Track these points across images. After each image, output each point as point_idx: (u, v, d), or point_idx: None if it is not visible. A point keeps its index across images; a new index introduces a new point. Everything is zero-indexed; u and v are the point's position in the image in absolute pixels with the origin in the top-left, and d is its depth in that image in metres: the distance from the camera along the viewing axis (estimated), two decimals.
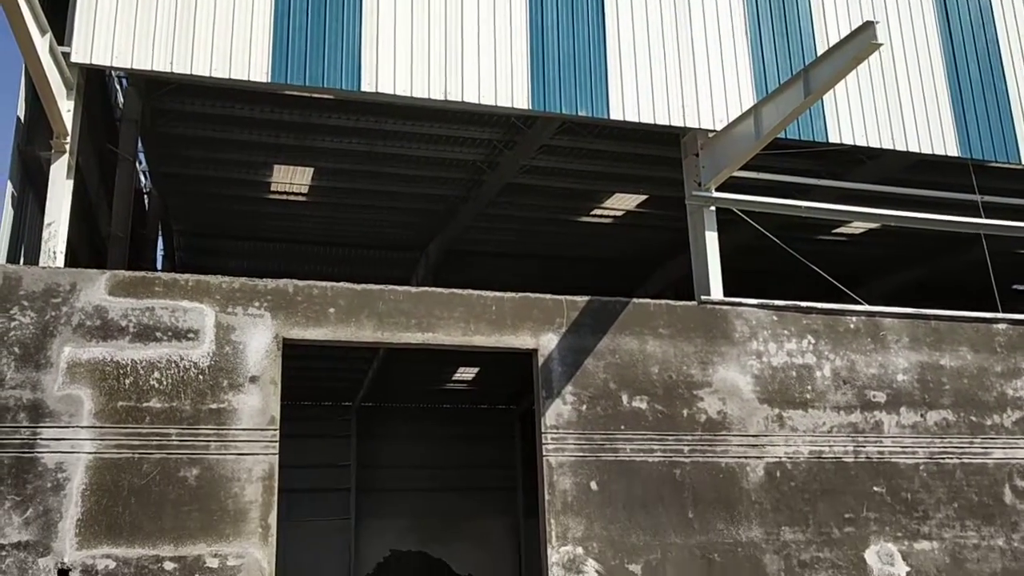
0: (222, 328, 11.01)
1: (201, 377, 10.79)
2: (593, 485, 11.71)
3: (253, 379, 10.94)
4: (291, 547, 25.06)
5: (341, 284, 11.63)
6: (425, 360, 22.57)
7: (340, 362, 23.33)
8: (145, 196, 18.27)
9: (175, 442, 10.50)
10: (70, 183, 11.41)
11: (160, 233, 19.07)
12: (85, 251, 15.13)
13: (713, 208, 13.31)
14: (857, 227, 18.13)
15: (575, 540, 11.46)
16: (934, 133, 14.55)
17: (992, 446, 13.36)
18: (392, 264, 20.45)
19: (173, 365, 10.74)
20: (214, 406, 10.73)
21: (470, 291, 12.01)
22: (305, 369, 22.45)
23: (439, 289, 12.02)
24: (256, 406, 10.87)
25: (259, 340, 11.08)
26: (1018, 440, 13.50)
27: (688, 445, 12.18)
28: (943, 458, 13.11)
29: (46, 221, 11.13)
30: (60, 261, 11.12)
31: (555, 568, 11.31)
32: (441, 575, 26.61)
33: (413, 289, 11.98)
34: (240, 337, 11.03)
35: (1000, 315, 14.14)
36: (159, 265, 19.66)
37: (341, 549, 26.53)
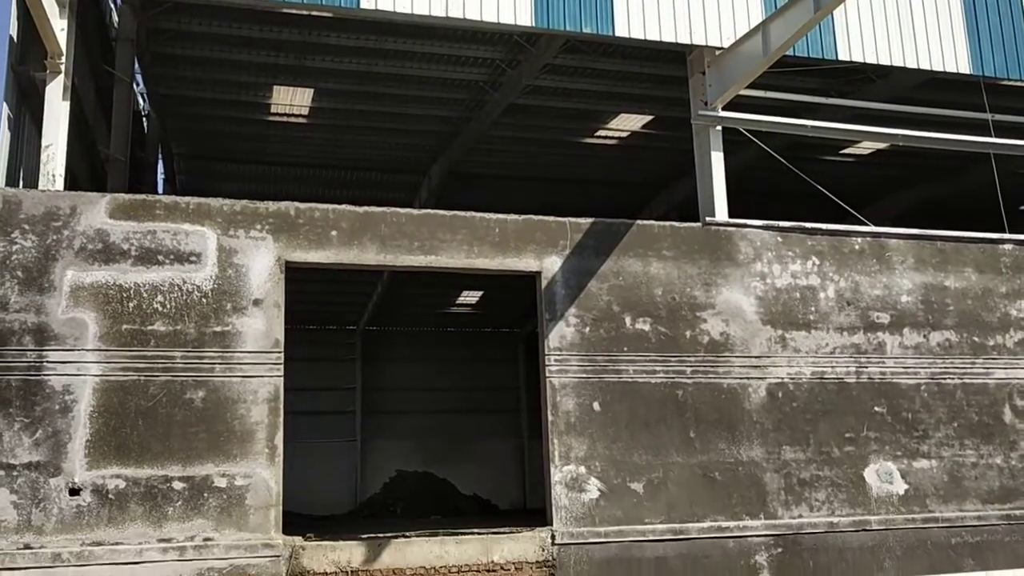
0: (224, 251, 10.98)
1: (204, 300, 10.80)
2: (596, 406, 11.80)
3: (256, 302, 10.96)
4: (298, 468, 25.35)
5: (343, 206, 11.56)
6: (429, 283, 22.58)
7: (344, 285, 23.33)
8: (144, 119, 18.05)
9: (180, 365, 10.57)
10: (66, 104, 11.25)
11: (160, 156, 18.90)
12: (84, 175, 15.01)
13: (719, 128, 13.13)
14: (865, 147, 17.90)
15: (578, 460, 11.61)
16: (946, 50, 14.24)
17: (994, 366, 13.42)
18: (394, 187, 20.29)
19: (176, 288, 10.74)
20: (218, 329, 10.77)
21: (473, 213, 11.94)
22: (309, 293, 22.48)
23: (442, 211, 11.95)
24: (260, 329, 10.90)
25: (261, 263, 11.06)
26: (1019, 360, 13.54)
27: (691, 366, 12.24)
28: (944, 378, 13.18)
29: (44, 143, 11.01)
30: (60, 184, 11.04)
31: (558, 487, 11.49)
32: (446, 495, 27.04)
33: (416, 211, 11.91)
34: (242, 260, 11.01)
35: (1006, 236, 14.05)
36: (160, 189, 19.54)
37: (348, 470, 26.95)
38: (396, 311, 26.00)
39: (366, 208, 11.63)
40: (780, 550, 11.96)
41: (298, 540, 10.92)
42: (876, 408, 12.79)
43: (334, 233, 11.40)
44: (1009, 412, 13.34)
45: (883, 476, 12.62)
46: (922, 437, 12.88)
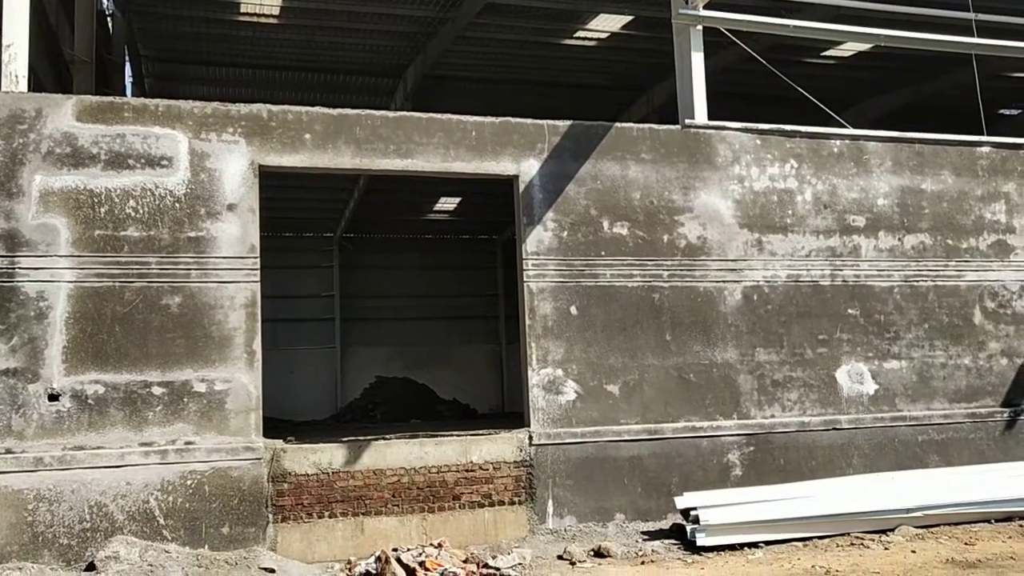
0: (196, 155, 10.79)
1: (178, 205, 10.67)
2: (573, 310, 11.88)
3: (231, 207, 10.83)
4: (279, 374, 25.61)
5: (317, 109, 11.35)
6: (407, 189, 22.41)
7: (320, 192, 23.12)
8: (108, 19, 17.49)
9: (155, 270, 10.50)
10: (26, 1, 10.84)
11: (127, 59, 18.39)
12: (50, 78, 14.61)
13: (699, 28, 12.88)
14: (847, 49, 17.69)
15: (555, 363, 11.75)
16: None
17: (966, 268, 13.58)
18: (369, 91, 19.93)
19: (148, 193, 10.59)
20: (192, 234, 10.67)
21: (449, 116, 11.76)
22: (285, 199, 22.27)
23: (418, 114, 11.77)
24: (235, 234, 10.81)
25: (235, 167, 10.90)
26: (992, 263, 13.71)
27: (667, 270, 12.30)
28: (917, 281, 13.34)
29: (4, 42, 10.64)
30: (23, 85, 10.72)
31: (536, 390, 11.65)
32: (426, 400, 27.40)
33: (391, 114, 11.72)
34: (215, 164, 10.84)
35: (984, 138, 14.05)
36: (128, 93, 19.08)
37: (328, 376, 27.23)
38: (373, 218, 25.85)
39: (340, 110, 11.43)
40: (752, 448, 12.27)
41: (279, 443, 11.07)
42: (850, 310, 12.97)
43: (308, 136, 11.22)
44: (979, 314, 13.57)
45: (854, 377, 12.88)
46: (893, 339, 13.11)
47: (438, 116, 11.72)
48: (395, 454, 11.13)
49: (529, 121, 12.04)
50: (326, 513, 10.77)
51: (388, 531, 10.90)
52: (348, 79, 19.64)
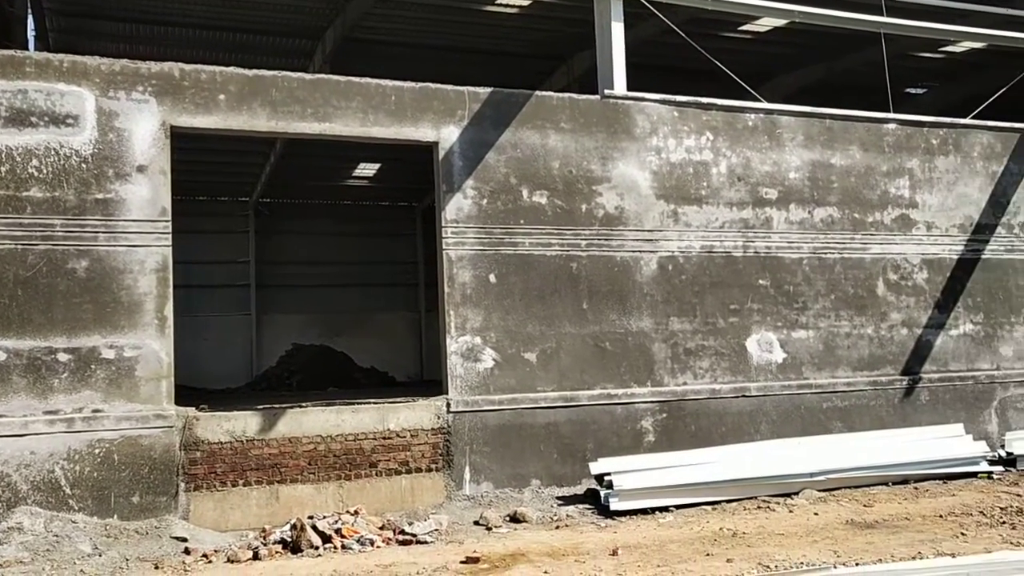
0: (104, 114, 10.43)
1: (84, 166, 10.31)
2: (492, 278, 11.92)
3: (141, 168, 10.52)
4: (192, 342, 25.07)
5: (231, 69, 11.07)
6: (325, 154, 22.04)
7: (236, 155, 22.57)
8: None
9: (60, 233, 10.15)
10: None
11: (30, 11, 17.55)
12: None
13: None
14: (763, 24, 17.98)
15: (473, 330, 11.79)
16: None
17: (871, 242, 14.07)
18: (287, 52, 19.44)
19: (53, 152, 10.20)
20: (100, 196, 10.33)
21: (368, 79, 11.61)
22: (199, 162, 21.66)
23: (336, 77, 11.58)
24: (145, 196, 10.51)
25: (145, 127, 10.56)
26: (895, 236, 14.23)
27: (585, 239, 12.43)
28: (825, 253, 13.77)
29: None
30: None
31: (454, 357, 11.68)
32: (343, 368, 27.19)
33: (308, 76, 11.51)
34: (124, 124, 10.49)
35: (891, 115, 14.51)
36: (31, 48, 18.24)
37: (243, 344, 26.77)
38: (291, 183, 25.39)
39: (256, 71, 11.16)
40: (665, 415, 12.55)
41: (192, 411, 10.88)
42: (760, 281, 13.32)
43: (222, 97, 10.93)
44: (882, 285, 14.09)
45: (764, 345, 13.26)
46: (802, 309, 13.53)
47: (357, 80, 11.55)
48: (311, 422, 11.05)
49: (449, 87, 11.96)
50: (240, 481, 10.66)
51: (304, 499, 10.85)
52: (265, 40, 19.12)
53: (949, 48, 19.54)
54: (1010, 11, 16.03)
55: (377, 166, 24.36)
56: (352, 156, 23.13)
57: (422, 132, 11.81)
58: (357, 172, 25.08)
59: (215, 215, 26.40)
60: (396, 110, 11.66)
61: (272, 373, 26.65)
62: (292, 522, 9.75)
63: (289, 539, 9.54)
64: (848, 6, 14.62)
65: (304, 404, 11.47)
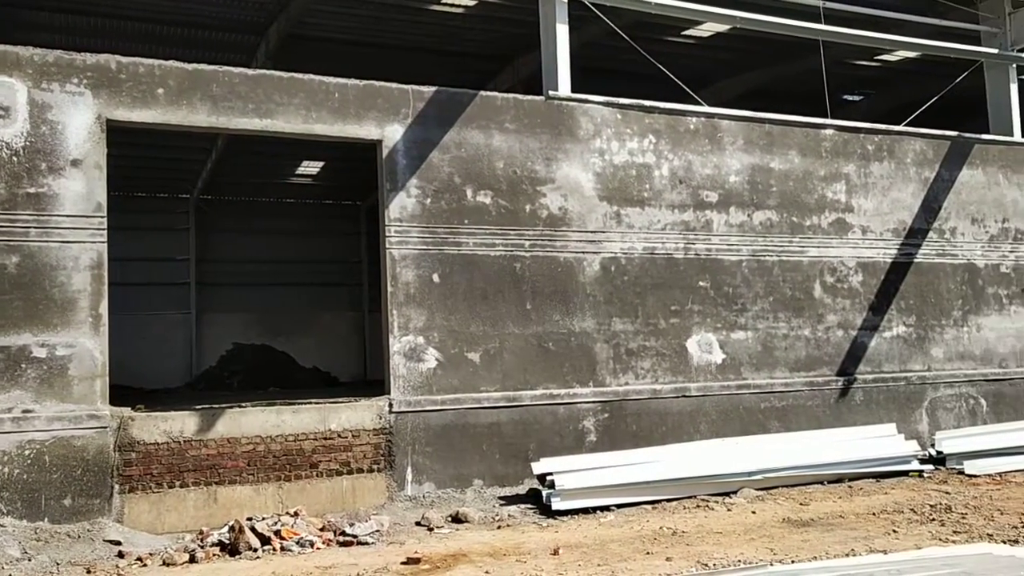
0: (37, 106, 10.17)
1: (15, 159, 10.04)
2: (435, 277, 11.89)
3: (75, 163, 10.27)
4: (130, 341, 24.59)
5: (170, 62, 10.87)
6: (267, 151, 21.76)
7: (176, 151, 22.15)
8: None
9: None
10: None
11: None
12: None
13: (565, 0, 13.00)
14: (706, 30, 18.22)
15: (416, 330, 11.74)
16: None
17: (808, 245, 14.34)
18: (230, 48, 19.12)
19: None
20: (32, 190, 10.07)
21: (311, 76, 11.50)
22: (137, 157, 21.22)
23: (278, 73, 11.45)
24: (79, 191, 10.27)
25: (80, 120, 10.32)
26: (832, 240, 14.53)
27: (529, 240, 12.46)
28: (764, 256, 14.00)
29: None
30: None
31: (397, 357, 11.62)
32: (285, 368, 26.91)
33: (250, 71, 11.35)
34: (58, 116, 10.24)
35: (828, 121, 14.81)
36: None
37: (182, 343, 26.31)
38: (233, 180, 25.02)
39: (196, 65, 10.98)
40: (607, 415, 12.64)
41: (127, 411, 10.66)
42: (701, 283, 13.49)
43: (161, 91, 10.73)
44: (819, 288, 14.37)
45: (703, 346, 13.44)
46: (741, 310, 13.73)
47: (300, 76, 11.43)
48: (251, 422, 10.90)
49: (394, 85, 11.91)
50: (177, 483, 10.47)
51: (243, 500, 10.70)
52: (207, 34, 18.80)
53: (884, 57, 20.03)
54: (942, 22, 16.48)
55: (321, 164, 24.14)
56: (295, 153, 22.88)
57: (366, 130, 11.73)
58: (300, 170, 24.83)
59: (154, 212, 25.90)
60: (340, 107, 11.57)
61: (212, 373, 26.28)
62: (230, 524, 9.61)
63: (227, 541, 9.40)
64: (788, 14, 14.89)
65: (244, 404, 11.31)
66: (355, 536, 9.75)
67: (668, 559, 8.46)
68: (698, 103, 13.93)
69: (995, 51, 16.47)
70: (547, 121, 12.69)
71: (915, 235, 15.17)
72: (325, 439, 11.21)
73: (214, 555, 9.20)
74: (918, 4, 16.16)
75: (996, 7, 16.67)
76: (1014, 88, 16.54)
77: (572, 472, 11.28)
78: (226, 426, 10.75)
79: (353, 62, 18.48)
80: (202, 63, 11.22)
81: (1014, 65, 16.58)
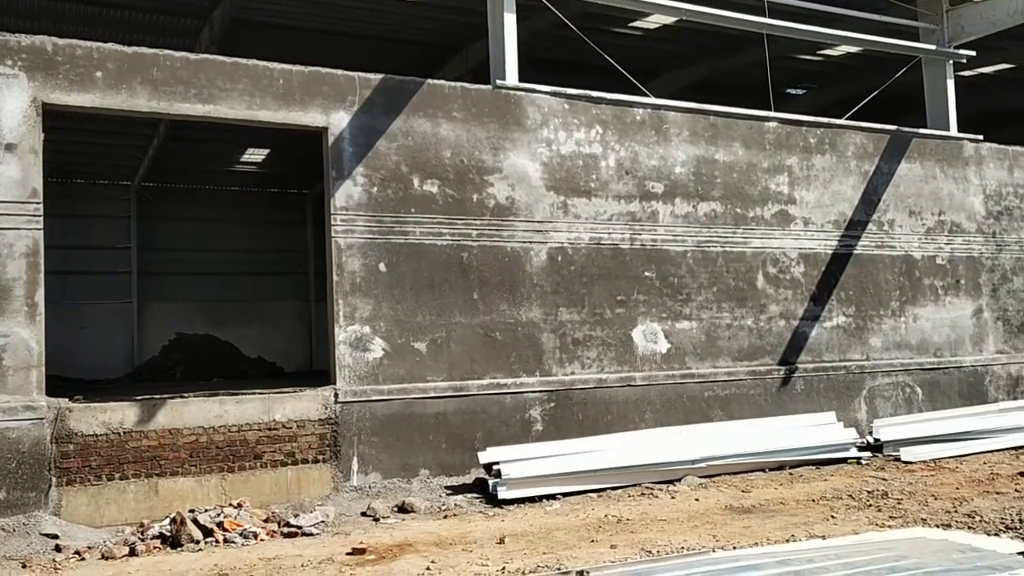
0: None
1: None
2: (382, 267, 11.82)
3: (9, 147, 10.00)
4: (69, 330, 24.09)
5: (109, 45, 10.62)
6: (211, 138, 21.40)
7: (116, 136, 21.65)
8: None
9: None
10: None
11: None
12: None
13: None
14: (653, 22, 18.35)
15: (362, 320, 11.67)
16: None
17: (752, 236, 14.55)
18: (172, 32, 18.74)
19: None
20: None
21: (255, 61, 11.32)
22: (76, 142, 20.73)
23: (221, 57, 11.25)
24: (14, 177, 9.99)
25: (14, 104, 10.04)
26: (774, 231, 14.75)
27: (476, 229, 12.45)
28: (709, 246, 14.16)
29: None
30: None
31: (342, 347, 11.54)
32: (230, 358, 26.55)
33: (192, 56, 11.13)
34: None
35: (772, 114, 15.02)
36: None
37: (124, 333, 25.81)
38: (176, 167, 24.56)
39: (136, 49, 10.74)
40: (553, 405, 12.70)
41: (65, 402, 10.42)
42: (646, 273, 13.61)
43: (99, 74, 10.48)
44: (762, 279, 14.59)
45: (649, 336, 13.56)
46: (685, 300, 13.89)
47: (243, 61, 11.25)
48: (193, 413, 10.74)
49: (340, 72, 11.78)
50: (117, 475, 10.28)
51: (185, 492, 10.55)
52: (149, 18, 18.40)
53: (827, 51, 20.38)
54: (883, 18, 16.80)
55: (266, 152, 23.82)
56: (240, 140, 22.54)
57: (311, 117, 11.60)
58: (245, 157, 24.47)
59: (94, 199, 25.35)
60: (284, 94, 11.41)
61: (155, 363, 25.84)
62: (172, 516, 9.47)
63: (169, 534, 9.27)
64: (733, 7, 15.04)
65: (186, 394, 11.13)
66: (300, 527, 9.67)
67: (613, 546, 8.54)
68: (645, 94, 14.03)
69: (933, 47, 16.86)
70: (495, 110, 12.67)
71: (855, 227, 15.47)
72: (269, 430, 11.09)
73: (155, 548, 9.06)
74: (860, 0, 16.45)
75: (934, 4, 17.05)
76: (951, 84, 16.95)
77: (518, 461, 11.32)
78: (168, 417, 10.57)
79: (299, 48, 18.25)
80: (143, 47, 10.98)
81: (951, 61, 16.99)
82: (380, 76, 11.99)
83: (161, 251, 26.21)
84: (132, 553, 8.88)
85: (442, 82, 12.59)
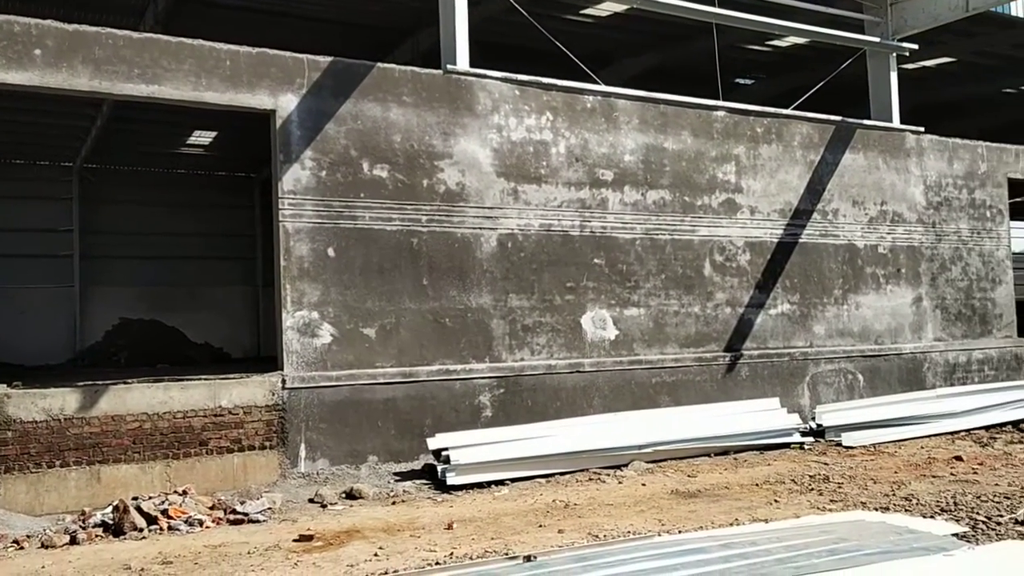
0: None
1: None
2: (330, 252, 11.73)
3: None
4: (8, 315, 23.57)
5: (48, 22, 10.34)
6: (157, 120, 20.95)
7: (57, 116, 21.08)
8: None
9: None
10: None
11: None
12: None
13: None
14: (604, 9, 18.39)
15: (311, 305, 11.58)
16: None
17: (699, 224, 14.71)
18: (115, 10, 18.28)
19: None
20: None
21: (201, 42, 11.12)
22: (14, 122, 20.18)
23: (166, 37, 11.03)
24: None
25: None
26: (721, 219, 14.93)
27: (426, 215, 12.40)
28: (657, 234, 14.29)
29: None
30: None
31: (290, 332, 11.44)
32: (175, 343, 26.16)
33: (136, 35, 10.90)
34: None
35: (720, 103, 15.17)
36: None
37: (65, 318, 25.25)
38: (119, 148, 24.03)
39: (76, 26, 10.47)
40: (502, 391, 12.74)
41: (2, 388, 10.18)
42: (596, 260, 13.69)
43: (38, 52, 10.21)
44: (709, 266, 14.77)
45: (598, 322, 13.66)
46: (634, 287, 14.00)
47: (189, 41, 11.04)
48: (136, 399, 10.57)
49: (288, 54, 11.62)
50: (57, 462, 10.09)
51: (129, 480, 10.40)
52: None
53: (775, 42, 20.61)
54: (830, 10, 17.05)
55: (213, 134, 23.41)
56: (186, 122, 22.09)
57: (259, 99, 11.44)
58: (192, 140, 24.01)
59: (34, 180, 24.72)
60: (231, 75, 11.23)
61: (98, 349, 25.38)
62: (115, 504, 9.33)
63: (111, 522, 9.13)
64: None
65: (129, 380, 10.94)
66: (246, 514, 9.59)
67: (560, 531, 8.61)
68: (595, 82, 14.07)
69: (877, 40, 17.17)
70: (445, 95, 12.62)
71: (800, 216, 15.73)
72: (216, 416, 10.97)
73: (97, 536, 8.92)
74: None
75: None
76: (894, 76, 17.28)
77: (467, 447, 11.35)
78: (110, 403, 10.39)
79: (248, 30, 17.95)
80: (86, 24, 10.72)
81: (894, 54, 17.31)
82: (329, 59, 11.86)
83: (104, 234, 25.67)
84: (73, 542, 8.73)
85: (392, 66, 12.49)
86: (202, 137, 23.69)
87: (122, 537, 8.90)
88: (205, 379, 11.16)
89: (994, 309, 18.22)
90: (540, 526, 8.91)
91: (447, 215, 12.53)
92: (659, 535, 8.20)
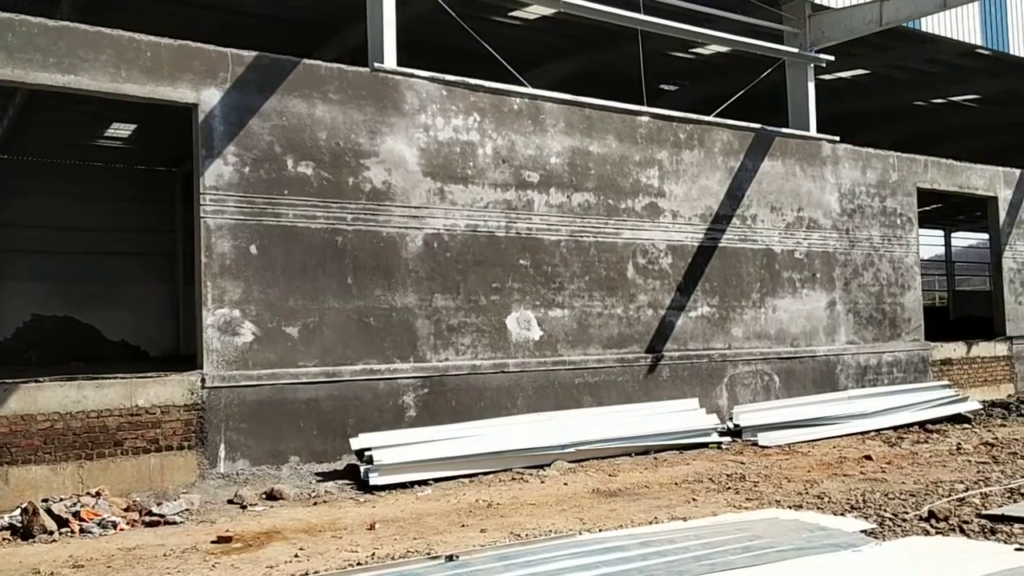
0: None
1: None
2: (253, 249, 11.57)
3: None
4: None
5: None
6: (74, 111, 20.38)
7: None
8: None
9: None
10: None
11: None
12: None
13: None
14: (532, 12, 18.52)
15: (232, 303, 11.40)
16: None
17: (623, 227, 14.92)
18: None
19: None
20: None
21: (121, 32, 10.85)
22: None
23: (83, 25, 10.73)
24: None
25: None
26: (644, 223, 15.17)
27: (352, 213, 12.32)
28: (581, 236, 14.45)
29: None
30: None
31: (210, 330, 11.24)
32: (91, 341, 25.47)
33: (51, 22, 10.58)
34: None
35: (645, 108, 15.42)
36: None
37: None
38: (34, 139, 23.30)
39: None
40: (427, 391, 12.73)
41: None
42: (521, 261, 13.78)
43: None
44: (632, 269, 14.99)
45: (523, 323, 13.75)
46: (558, 289, 14.14)
47: (108, 31, 10.76)
48: (48, 398, 10.26)
49: (211, 47, 11.42)
50: None
51: (39, 481, 10.09)
52: None
53: (698, 50, 21.03)
54: (752, 20, 17.46)
55: (133, 127, 22.86)
56: (104, 114, 21.56)
57: (180, 92, 11.21)
58: (110, 132, 23.43)
59: None
60: (152, 67, 10.99)
61: (7, 346, 24.59)
62: (23, 506, 9.04)
63: (20, 524, 8.85)
64: (611, 2, 15.34)
65: (40, 379, 10.61)
66: (163, 516, 9.40)
67: (483, 531, 8.65)
68: (523, 84, 14.16)
69: (795, 51, 17.66)
70: (372, 94, 12.55)
71: (720, 221, 16.08)
72: (132, 415, 10.71)
73: (4, 540, 8.63)
74: (729, 1, 17.04)
75: (798, 9, 17.85)
76: (811, 86, 17.80)
77: (391, 447, 11.31)
78: (20, 402, 10.07)
79: (171, 21, 17.57)
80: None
81: (812, 65, 17.83)
82: (254, 53, 11.70)
83: (16, 227, 24.86)
84: None
85: (318, 62, 12.38)
86: (121, 129, 23.14)
87: (31, 540, 8.64)
88: (121, 378, 10.89)
89: (903, 313, 18.90)
90: (463, 526, 8.94)
91: (373, 214, 12.47)
92: (580, 534, 8.29)
